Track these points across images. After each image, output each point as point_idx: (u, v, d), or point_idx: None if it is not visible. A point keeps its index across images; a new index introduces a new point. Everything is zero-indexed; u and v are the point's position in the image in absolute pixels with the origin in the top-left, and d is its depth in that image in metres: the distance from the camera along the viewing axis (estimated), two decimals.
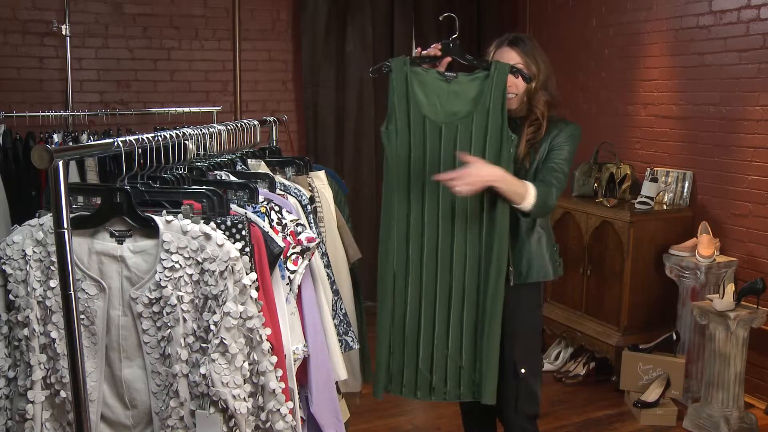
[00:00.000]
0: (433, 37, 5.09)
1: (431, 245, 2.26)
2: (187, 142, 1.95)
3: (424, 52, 2.28)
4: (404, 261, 2.27)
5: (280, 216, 1.83)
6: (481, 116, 2.17)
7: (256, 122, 2.47)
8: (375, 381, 2.34)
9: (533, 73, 2.31)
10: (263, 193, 1.90)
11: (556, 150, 2.32)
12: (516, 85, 2.31)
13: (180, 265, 1.54)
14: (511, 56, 2.32)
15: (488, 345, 2.24)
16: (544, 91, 2.34)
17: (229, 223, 1.61)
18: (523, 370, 2.36)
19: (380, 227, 2.28)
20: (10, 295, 1.59)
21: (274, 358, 1.59)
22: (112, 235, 1.58)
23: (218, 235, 1.56)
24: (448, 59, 2.27)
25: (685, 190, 4.02)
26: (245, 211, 1.76)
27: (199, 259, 1.55)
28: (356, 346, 2.21)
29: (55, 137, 3.45)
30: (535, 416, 2.47)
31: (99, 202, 1.62)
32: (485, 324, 2.25)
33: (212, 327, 1.53)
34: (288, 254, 1.78)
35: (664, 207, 4.01)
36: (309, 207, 2.15)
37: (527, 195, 2.19)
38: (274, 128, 2.67)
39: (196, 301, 1.57)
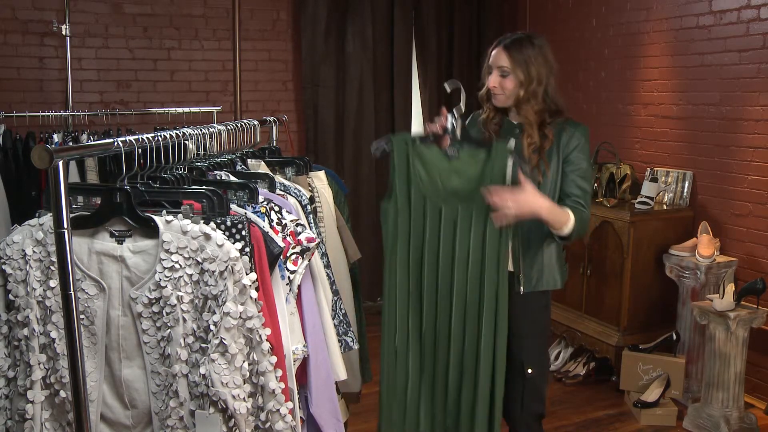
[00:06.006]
0: (432, 37, 5.10)
1: (431, 325, 2.23)
2: (187, 142, 1.95)
3: (431, 127, 2.21)
4: (405, 339, 2.25)
5: (280, 216, 1.83)
6: (482, 199, 2.12)
7: (256, 122, 2.47)
8: None
9: (520, 81, 2.26)
10: (263, 193, 1.90)
11: (573, 165, 2.29)
12: (501, 85, 2.29)
13: (180, 265, 1.54)
14: (500, 57, 2.28)
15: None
16: (536, 101, 2.28)
17: (229, 223, 1.61)
18: (529, 370, 2.37)
19: (383, 301, 2.27)
20: (10, 295, 1.59)
21: (274, 359, 1.59)
22: (112, 235, 1.58)
23: (218, 235, 1.56)
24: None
25: (685, 190, 4.02)
26: (245, 211, 1.76)
27: (199, 259, 1.55)
28: (356, 346, 2.21)
29: (55, 137, 3.44)
30: (541, 415, 2.47)
31: (99, 202, 1.62)
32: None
33: (212, 327, 1.53)
34: (288, 254, 1.78)
35: (664, 207, 4.01)
36: (309, 207, 2.15)
37: (568, 222, 2.21)
38: (274, 128, 2.67)
39: (196, 301, 1.57)
